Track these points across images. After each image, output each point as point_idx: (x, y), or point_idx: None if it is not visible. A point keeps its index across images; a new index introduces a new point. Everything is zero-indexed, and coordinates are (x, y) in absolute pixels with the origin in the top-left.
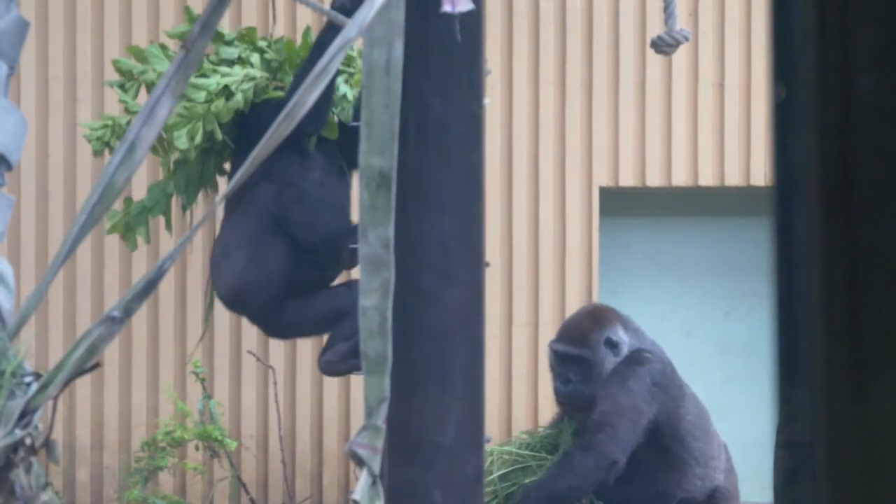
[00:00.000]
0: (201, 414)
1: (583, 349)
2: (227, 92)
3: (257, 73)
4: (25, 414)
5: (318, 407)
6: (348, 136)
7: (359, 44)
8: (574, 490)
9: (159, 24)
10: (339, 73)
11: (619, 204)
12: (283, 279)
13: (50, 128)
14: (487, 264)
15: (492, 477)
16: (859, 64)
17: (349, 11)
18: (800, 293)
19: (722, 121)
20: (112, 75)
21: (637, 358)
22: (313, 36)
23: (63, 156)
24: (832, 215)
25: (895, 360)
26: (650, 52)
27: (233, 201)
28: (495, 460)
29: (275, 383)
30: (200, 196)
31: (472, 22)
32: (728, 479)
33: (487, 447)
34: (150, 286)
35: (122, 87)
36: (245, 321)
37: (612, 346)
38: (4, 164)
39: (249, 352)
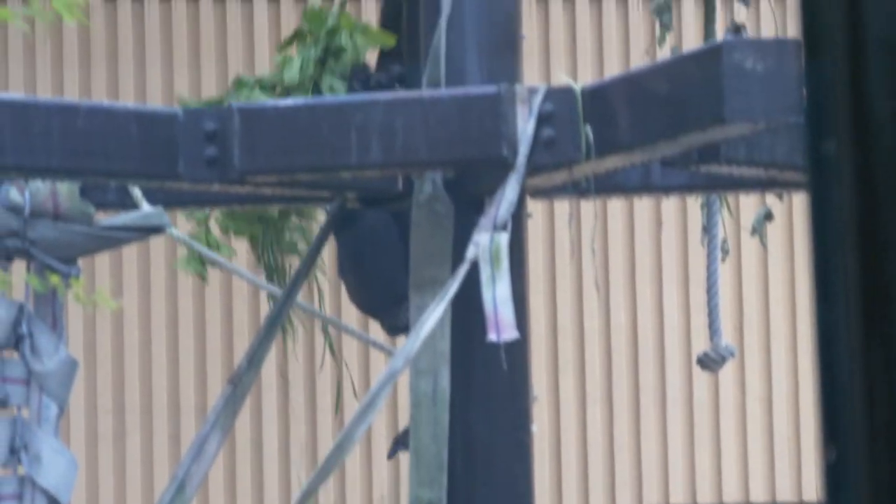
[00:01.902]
0: None
1: None
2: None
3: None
4: None
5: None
6: None
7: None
8: None
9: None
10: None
11: None
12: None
13: (100, 461)
14: None
15: None
16: None
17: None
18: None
19: (771, 435)
20: (160, 399)
21: None
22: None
23: (113, 490)
24: None
25: None
26: (696, 368)
27: None
28: None
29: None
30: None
31: (518, 348)
32: None
33: None
34: None
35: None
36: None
37: None
38: None
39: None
